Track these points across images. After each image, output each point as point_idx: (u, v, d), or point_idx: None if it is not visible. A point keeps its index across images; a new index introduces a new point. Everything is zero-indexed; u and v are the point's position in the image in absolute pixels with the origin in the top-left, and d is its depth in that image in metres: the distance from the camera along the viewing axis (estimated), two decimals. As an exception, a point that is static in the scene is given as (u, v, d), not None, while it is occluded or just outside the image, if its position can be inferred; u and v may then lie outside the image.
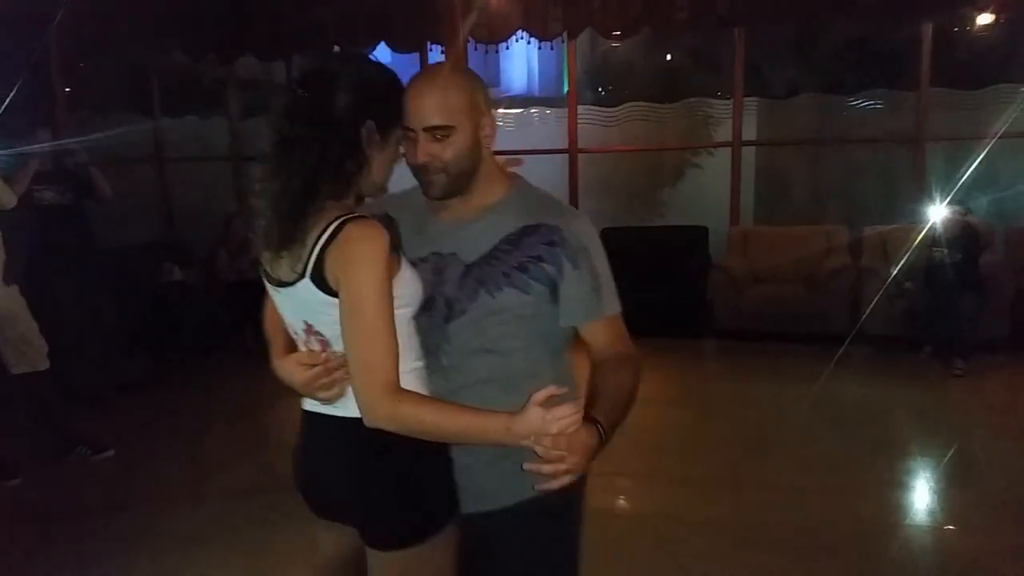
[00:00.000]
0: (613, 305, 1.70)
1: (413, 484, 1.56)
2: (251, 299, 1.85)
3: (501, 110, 10.69)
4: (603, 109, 8.31)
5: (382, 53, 7.68)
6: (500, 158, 1.80)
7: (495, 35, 7.14)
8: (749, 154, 7.49)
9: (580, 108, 7.91)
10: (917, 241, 5.69)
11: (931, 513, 3.77)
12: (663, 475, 4.25)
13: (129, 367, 5.77)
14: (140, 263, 6.79)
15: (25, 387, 4.29)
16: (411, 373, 1.56)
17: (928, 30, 6.65)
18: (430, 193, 1.65)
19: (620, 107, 8.21)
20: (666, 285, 6.51)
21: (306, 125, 1.51)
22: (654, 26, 6.99)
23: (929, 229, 5.65)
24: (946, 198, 5.72)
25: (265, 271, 1.61)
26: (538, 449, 1.42)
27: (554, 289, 1.63)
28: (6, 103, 4.37)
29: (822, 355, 5.23)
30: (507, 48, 7.33)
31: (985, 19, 6.89)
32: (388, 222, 1.65)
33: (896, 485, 3.99)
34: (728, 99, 7.35)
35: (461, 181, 1.64)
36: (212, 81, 8.84)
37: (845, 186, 8.04)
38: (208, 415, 5.34)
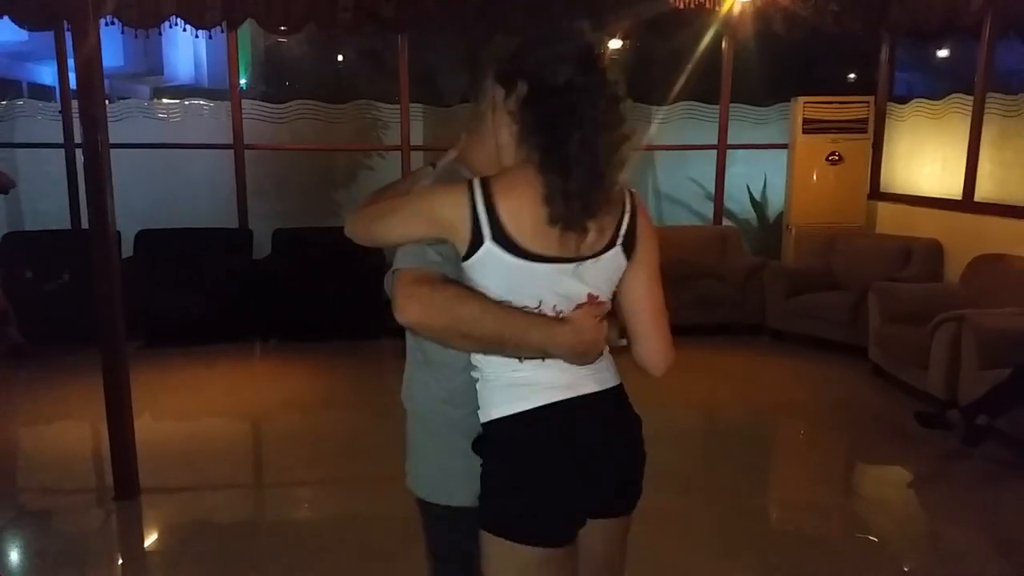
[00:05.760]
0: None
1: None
2: None
3: (165, 100, 9.94)
4: (270, 105, 8.03)
5: (8, 29, 6.80)
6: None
7: (146, 19, 6.60)
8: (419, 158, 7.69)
9: (247, 103, 7.62)
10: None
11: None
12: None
13: None
14: None
15: None
16: None
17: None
18: None
19: (287, 104, 8.00)
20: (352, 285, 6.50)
21: None
22: (318, 24, 6.91)
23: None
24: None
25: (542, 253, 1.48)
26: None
27: None
28: None
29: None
30: (160, 34, 6.83)
31: (615, 43, 7.80)
32: None
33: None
34: (397, 104, 7.49)
35: None
36: None
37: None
38: None
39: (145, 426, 3.89)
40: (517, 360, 1.53)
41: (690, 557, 3.37)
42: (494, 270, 1.47)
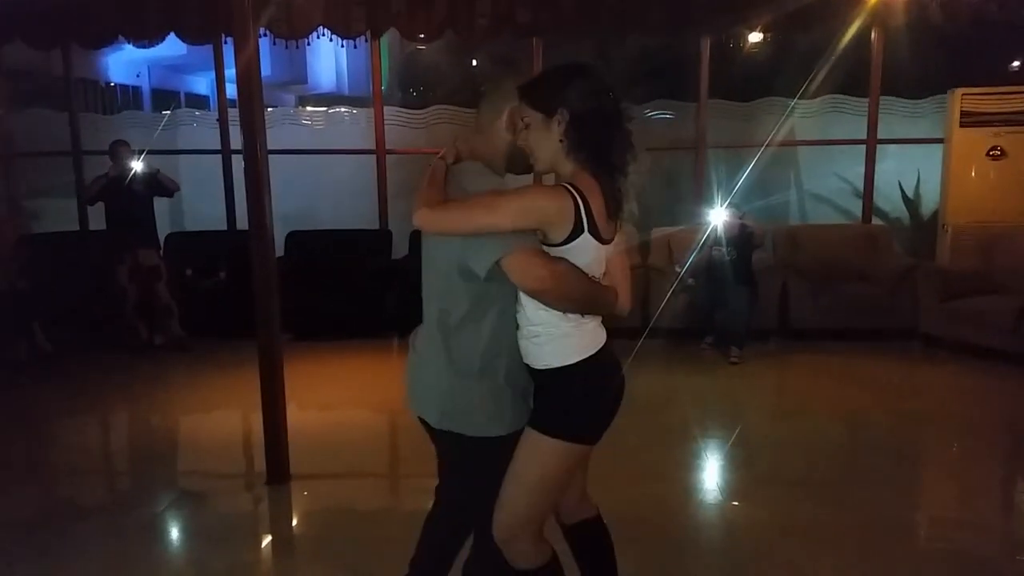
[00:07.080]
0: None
1: None
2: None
3: (308, 108, 10.46)
4: (410, 111, 8.28)
5: (169, 45, 7.32)
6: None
7: (295, 31, 6.96)
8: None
9: (388, 109, 7.88)
10: (701, 242, 6.16)
11: (718, 491, 4.08)
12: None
13: None
14: None
15: None
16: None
17: (706, 46, 7.22)
18: None
19: (427, 110, 8.22)
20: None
21: None
22: (457, 31, 7.08)
23: (710, 230, 6.12)
24: (724, 201, 6.23)
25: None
26: None
27: None
28: None
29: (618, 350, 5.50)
30: (308, 44, 7.17)
31: (755, 37, 7.56)
32: None
33: (685, 467, 4.29)
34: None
35: None
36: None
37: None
38: None
39: (292, 415, 4.08)
40: (562, 317, 2.00)
41: (835, 573, 3.22)
42: (585, 251, 1.96)
